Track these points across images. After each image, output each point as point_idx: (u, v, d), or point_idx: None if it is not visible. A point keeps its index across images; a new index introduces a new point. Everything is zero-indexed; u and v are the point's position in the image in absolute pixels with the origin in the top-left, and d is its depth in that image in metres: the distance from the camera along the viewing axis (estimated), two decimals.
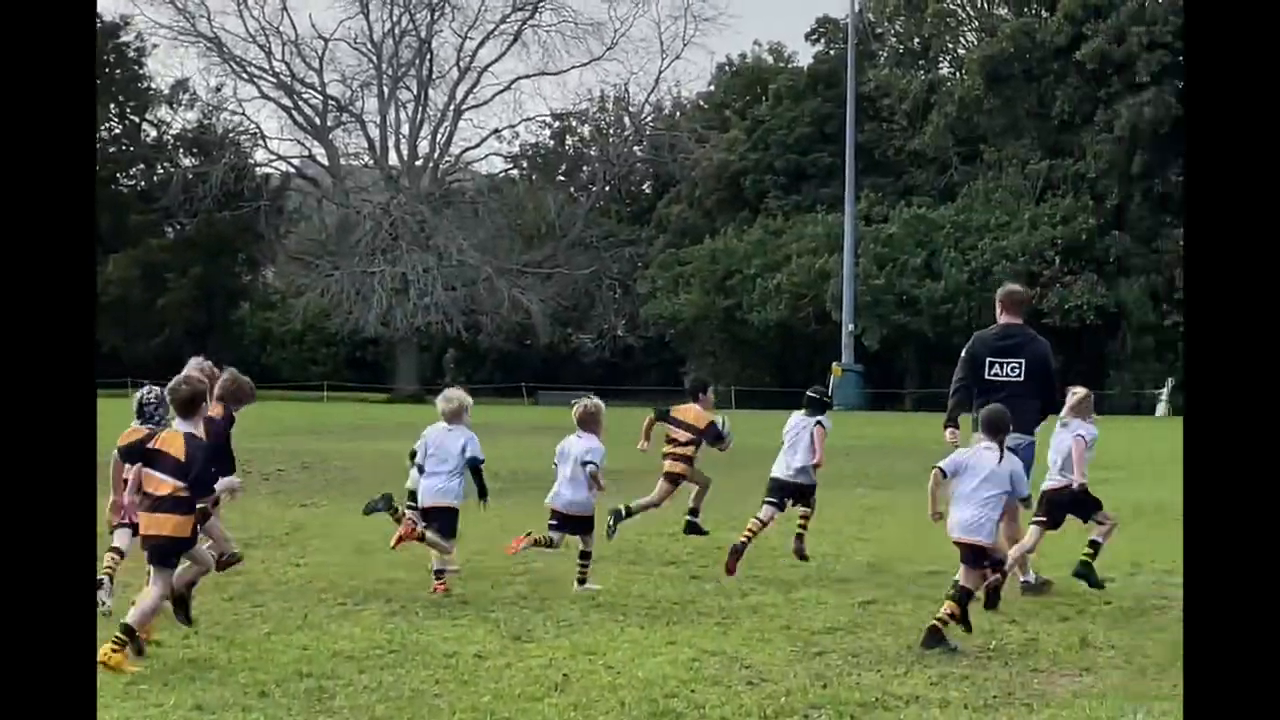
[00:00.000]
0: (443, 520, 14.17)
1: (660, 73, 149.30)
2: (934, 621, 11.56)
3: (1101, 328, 78.44)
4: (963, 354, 14.88)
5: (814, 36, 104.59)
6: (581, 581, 14.42)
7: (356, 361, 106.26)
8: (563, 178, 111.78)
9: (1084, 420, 14.52)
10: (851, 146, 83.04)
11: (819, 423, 15.90)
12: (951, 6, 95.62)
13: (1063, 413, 14.63)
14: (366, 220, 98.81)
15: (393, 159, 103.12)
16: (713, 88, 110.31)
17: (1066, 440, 14.43)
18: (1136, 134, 79.28)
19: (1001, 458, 11.97)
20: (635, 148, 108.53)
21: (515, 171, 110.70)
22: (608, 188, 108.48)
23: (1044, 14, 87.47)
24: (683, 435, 17.26)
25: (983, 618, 12.67)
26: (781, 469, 16.03)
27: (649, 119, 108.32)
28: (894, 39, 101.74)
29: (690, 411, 17.36)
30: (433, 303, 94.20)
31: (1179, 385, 75.81)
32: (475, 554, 16.15)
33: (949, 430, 14.94)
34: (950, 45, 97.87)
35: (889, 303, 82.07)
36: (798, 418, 16.14)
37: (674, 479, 17.25)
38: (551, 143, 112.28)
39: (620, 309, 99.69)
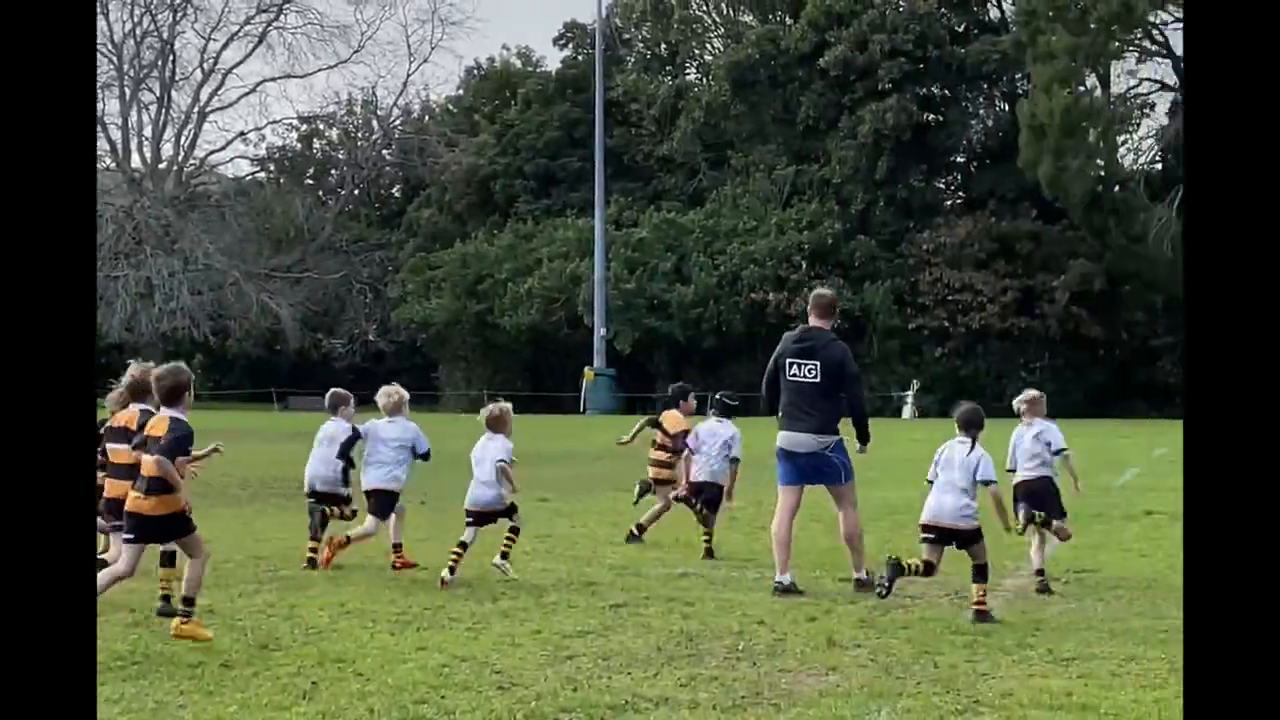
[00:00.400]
0: (381, 501, 15.66)
1: (408, 76, 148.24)
2: (975, 608, 12.86)
3: (848, 331, 79.66)
4: (771, 358, 15.22)
5: (562, 41, 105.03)
6: (505, 556, 15.20)
7: (101, 368, 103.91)
8: (311, 181, 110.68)
9: (1042, 418, 15.57)
10: (601, 151, 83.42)
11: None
12: (697, 13, 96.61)
13: (1023, 413, 15.62)
14: (109, 224, 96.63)
15: (135, 162, 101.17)
16: (461, 92, 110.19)
17: (1027, 437, 15.36)
18: (880, 140, 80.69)
19: (971, 450, 13.23)
20: (384, 151, 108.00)
21: (262, 175, 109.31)
22: (356, 191, 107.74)
23: (788, 21, 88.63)
24: (659, 439, 18.53)
25: (731, 619, 12.81)
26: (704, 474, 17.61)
27: (397, 122, 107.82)
28: (641, 44, 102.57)
29: (671, 418, 18.48)
30: (179, 307, 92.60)
31: (924, 387, 77.39)
32: (222, 561, 15.90)
33: None
34: (697, 51, 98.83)
35: (640, 306, 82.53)
36: (713, 423, 17.76)
37: (663, 483, 18.41)
38: (299, 146, 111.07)
39: (371, 313, 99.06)
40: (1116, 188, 78.73)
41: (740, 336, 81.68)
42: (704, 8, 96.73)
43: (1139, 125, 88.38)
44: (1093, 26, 75.64)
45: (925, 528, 13.36)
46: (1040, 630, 12.37)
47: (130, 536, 11.67)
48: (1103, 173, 77.83)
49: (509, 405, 15.83)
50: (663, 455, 18.46)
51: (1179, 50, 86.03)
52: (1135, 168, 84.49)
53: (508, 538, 15.27)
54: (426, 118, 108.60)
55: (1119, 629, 12.45)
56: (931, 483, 13.42)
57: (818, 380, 14.63)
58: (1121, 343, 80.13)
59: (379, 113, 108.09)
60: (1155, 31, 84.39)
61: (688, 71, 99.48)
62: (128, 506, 11.68)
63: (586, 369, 79.51)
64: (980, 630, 12.31)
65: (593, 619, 12.79)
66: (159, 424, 11.69)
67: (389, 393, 16.19)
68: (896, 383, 77.62)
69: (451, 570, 14.77)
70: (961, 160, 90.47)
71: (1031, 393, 15.97)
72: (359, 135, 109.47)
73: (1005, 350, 79.16)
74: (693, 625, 12.50)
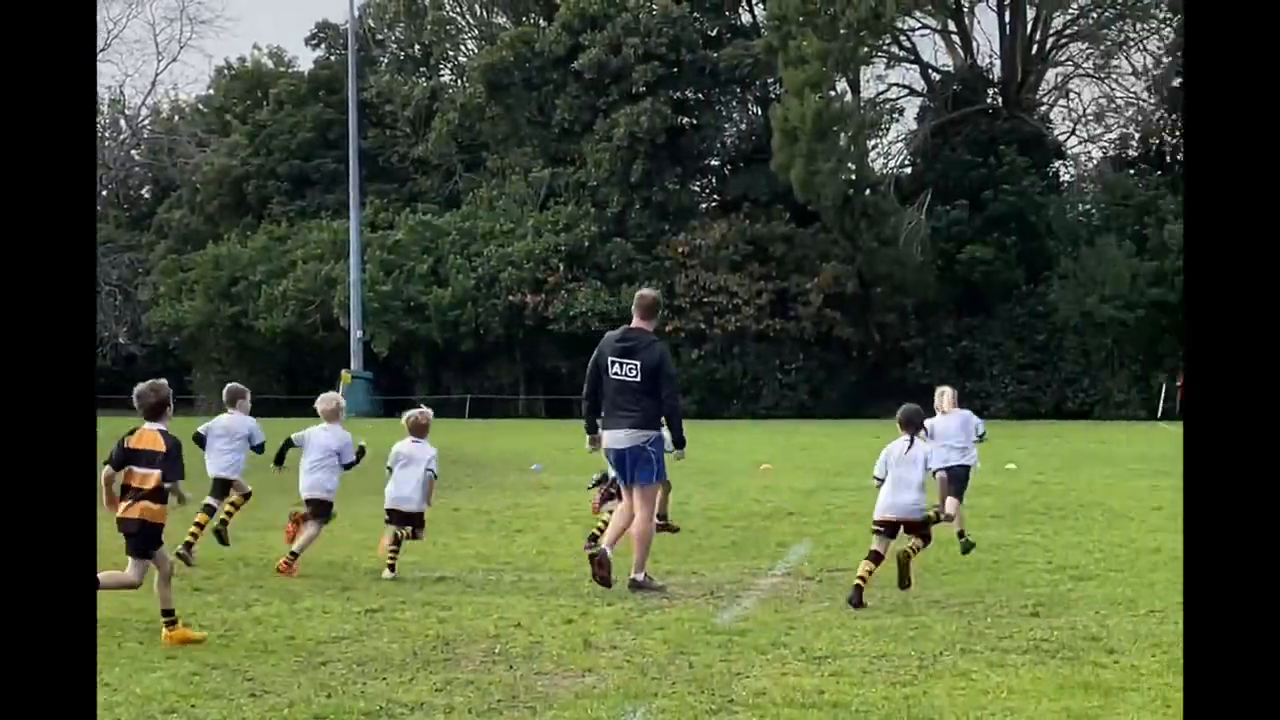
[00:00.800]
0: (320, 510, 16.33)
1: (156, 75, 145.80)
2: (908, 553, 14.48)
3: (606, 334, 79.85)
4: (592, 357, 15.39)
5: (314, 41, 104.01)
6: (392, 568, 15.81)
7: None
8: None
9: (959, 409, 18.17)
10: (355, 153, 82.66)
11: None
12: (451, 14, 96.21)
13: (944, 407, 18.02)
14: None
15: None
16: (211, 91, 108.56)
17: (955, 424, 17.89)
18: (634, 143, 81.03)
19: (911, 446, 14.45)
20: (133, 151, 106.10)
21: None
22: (104, 192, 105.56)
23: (542, 23, 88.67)
24: None
25: (488, 622, 12.77)
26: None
27: (146, 122, 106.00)
28: (395, 45, 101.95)
29: None
30: None
31: (681, 389, 77.86)
32: None
33: (590, 439, 15.73)
34: (451, 53, 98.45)
35: (397, 309, 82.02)
36: None
37: None
38: None
39: (121, 316, 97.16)
40: (867, 191, 79.95)
41: (499, 338, 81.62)
42: (457, 9, 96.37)
43: (888, 130, 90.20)
44: (842, 32, 76.73)
45: (880, 523, 14.48)
46: (794, 629, 12.52)
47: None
48: (854, 176, 79.00)
49: (430, 412, 16.74)
50: None
51: (926, 56, 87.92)
52: (885, 171, 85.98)
53: (393, 549, 15.89)
54: (176, 117, 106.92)
55: (870, 627, 12.64)
56: (879, 480, 14.66)
57: (638, 380, 15.03)
58: (874, 344, 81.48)
59: (127, 112, 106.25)
60: (903, 38, 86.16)
61: (442, 73, 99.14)
62: (127, 515, 11.99)
63: (344, 371, 78.74)
64: (735, 630, 12.43)
65: (348, 624, 12.67)
66: (148, 438, 12.00)
67: (328, 399, 16.98)
68: None
69: (391, 568, 15.66)
70: (716, 163, 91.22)
71: (945, 389, 18.39)
72: (106, 135, 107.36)
73: (761, 352, 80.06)
74: (449, 629, 12.44)
